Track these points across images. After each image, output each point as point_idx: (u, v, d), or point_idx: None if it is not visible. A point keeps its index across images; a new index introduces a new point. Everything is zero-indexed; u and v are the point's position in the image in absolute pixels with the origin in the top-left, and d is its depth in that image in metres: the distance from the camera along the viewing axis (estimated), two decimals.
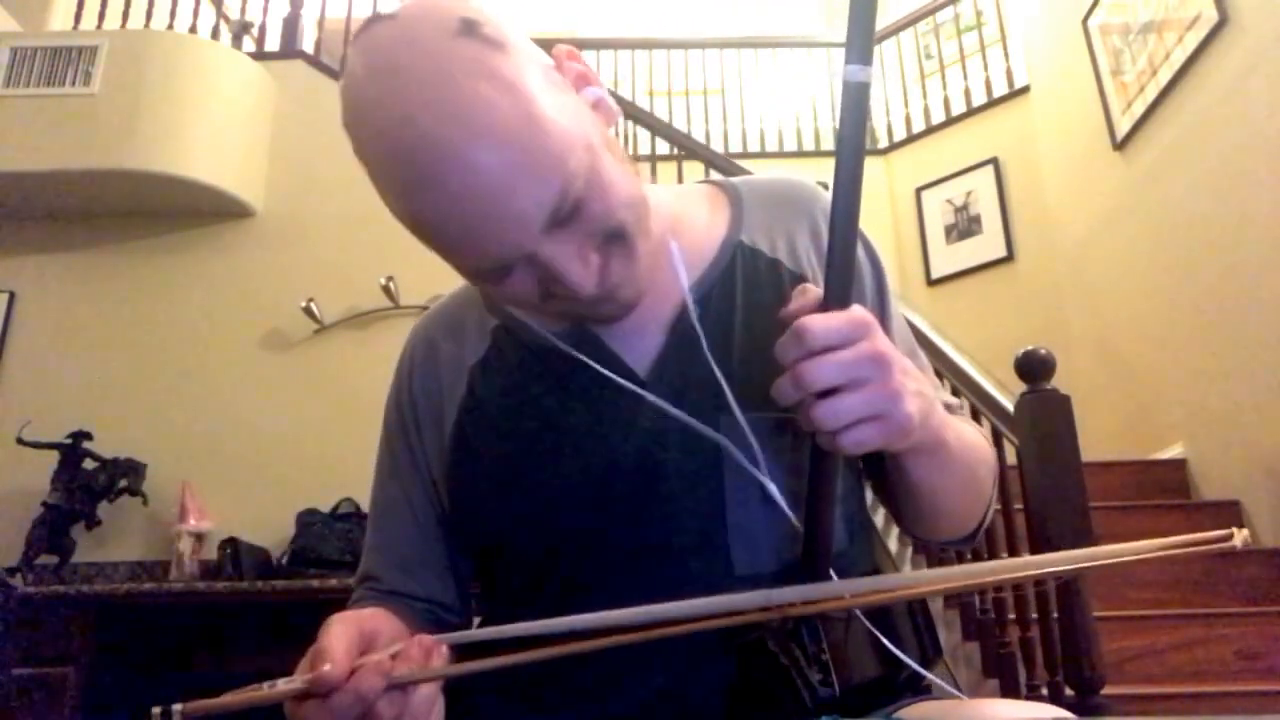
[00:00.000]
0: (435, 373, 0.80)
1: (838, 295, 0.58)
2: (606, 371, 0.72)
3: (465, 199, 0.60)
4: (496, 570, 0.78)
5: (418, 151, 0.60)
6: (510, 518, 0.72)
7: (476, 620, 0.81)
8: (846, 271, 0.59)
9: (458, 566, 0.81)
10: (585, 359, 0.73)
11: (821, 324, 0.56)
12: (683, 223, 0.78)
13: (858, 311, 0.58)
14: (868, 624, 0.68)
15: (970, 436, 0.76)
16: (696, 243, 0.77)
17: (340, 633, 0.55)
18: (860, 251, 0.80)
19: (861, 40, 0.57)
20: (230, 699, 0.53)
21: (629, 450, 0.69)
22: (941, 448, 0.67)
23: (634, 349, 0.73)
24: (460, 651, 0.61)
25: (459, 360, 0.79)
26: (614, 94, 0.73)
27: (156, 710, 0.51)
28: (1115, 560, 0.53)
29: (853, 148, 0.58)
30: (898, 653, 0.67)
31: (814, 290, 0.60)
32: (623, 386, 0.71)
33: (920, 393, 0.61)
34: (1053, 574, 0.58)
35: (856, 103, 0.57)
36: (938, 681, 0.74)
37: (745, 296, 0.75)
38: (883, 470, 0.74)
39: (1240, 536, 0.49)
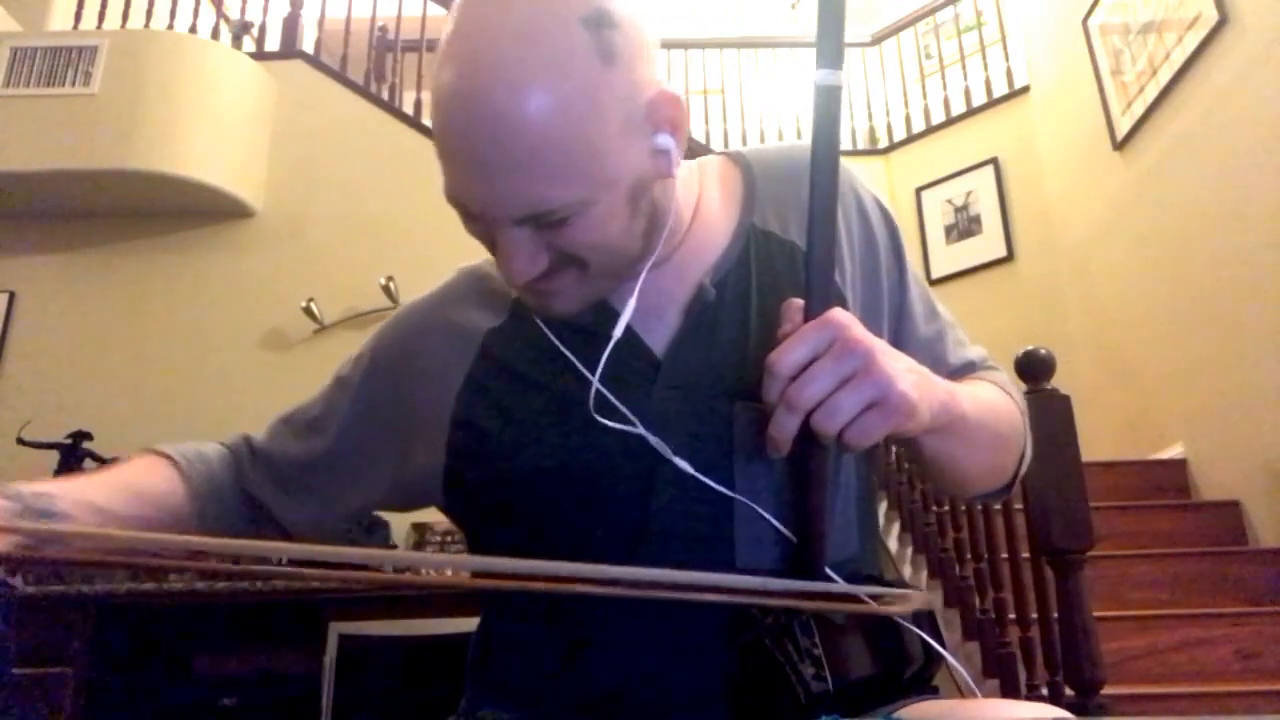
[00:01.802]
0: (448, 330, 0.80)
1: (820, 297, 0.59)
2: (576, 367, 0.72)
3: (473, 148, 0.61)
4: (484, 542, 0.77)
5: (466, 83, 0.61)
6: (506, 488, 0.72)
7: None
8: (826, 275, 0.60)
9: (340, 499, 0.82)
10: (555, 351, 0.72)
11: (787, 354, 0.57)
12: (703, 206, 0.78)
13: (830, 315, 0.58)
14: (908, 621, 0.68)
15: (989, 396, 0.76)
16: (713, 226, 0.77)
17: None
18: (876, 216, 0.80)
19: (832, 45, 0.57)
20: None
21: (640, 431, 0.69)
22: (958, 422, 0.67)
23: (652, 330, 0.73)
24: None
25: (475, 325, 0.79)
26: None
27: None
28: None
29: (827, 152, 0.59)
30: (932, 642, 0.67)
31: (798, 304, 0.60)
32: (638, 367, 0.71)
33: (913, 369, 0.62)
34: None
35: (828, 107, 0.57)
36: (959, 670, 0.74)
37: (760, 281, 0.74)
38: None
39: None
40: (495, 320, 0.78)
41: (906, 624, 0.69)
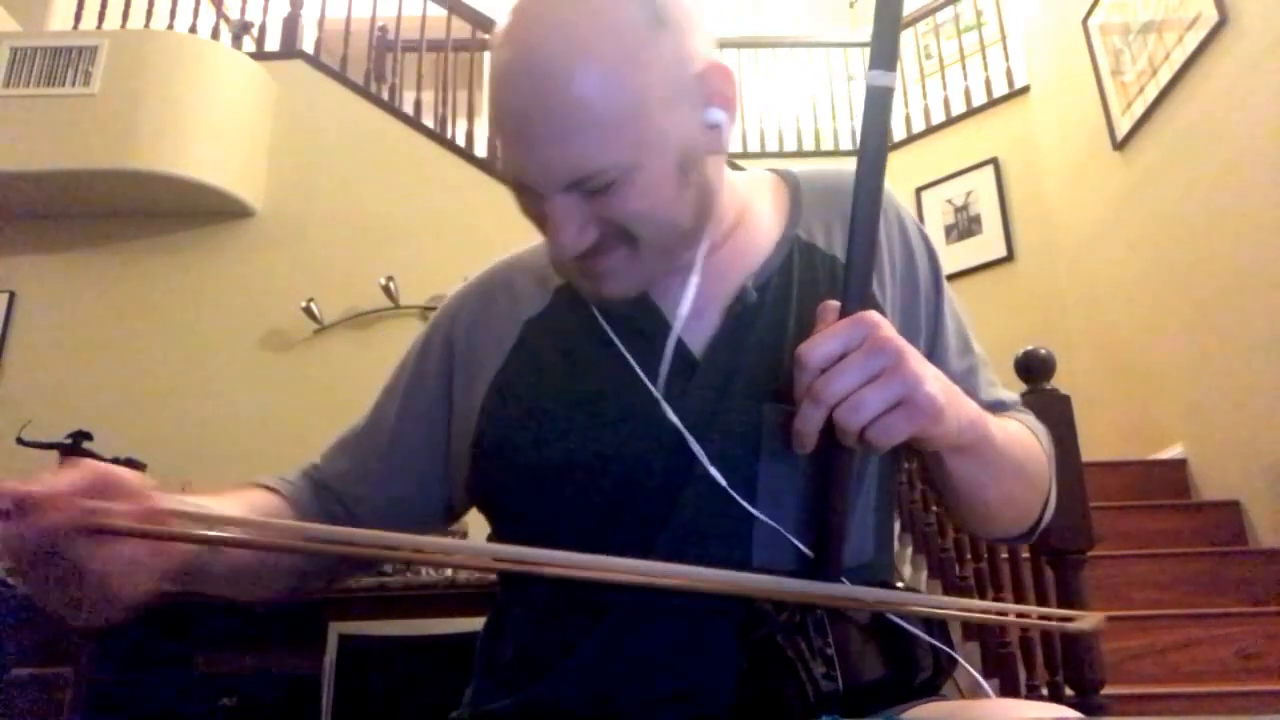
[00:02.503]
0: (488, 320, 0.80)
1: (857, 299, 0.60)
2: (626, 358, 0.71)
3: (523, 112, 0.62)
4: (509, 532, 0.77)
5: (520, 48, 0.62)
6: (537, 474, 0.71)
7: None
8: (865, 276, 0.60)
9: (402, 503, 0.81)
10: (615, 339, 0.72)
11: (818, 347, 0.57)
12: (749, 211, 0.78)
13: (864, 313, 0.59)
14: (908, 623, 0.67)
15: (1017, 432, 0.76)
16: (758, 233, 0.77)
17: (68, 470, 0.54)
18: (918, 241, 0.81)
19: (886, 45, 0.57)
20: None
21: (671, 427, 0.68)
22: (983, 444, 0.67)
23: (691, 328, 0.72)
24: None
25: (515, 313, 0.79)
26: None
27: None
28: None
29: (875, 152, 0.59)
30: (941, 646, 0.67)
31: (833, 305, 0.61)
32: (675, 364, 0.71)
33: (941, 378, 0.62)
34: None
35: (880, 108, 0.58)
36: (971, 673, 0.74)
37: (800, 290, 0.74)
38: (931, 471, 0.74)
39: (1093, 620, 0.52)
40: (536, 308, 0.79)
41: (917, 632, 0.70)
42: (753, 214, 0.79)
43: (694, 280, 0.70)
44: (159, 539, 0.56)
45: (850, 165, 0.64)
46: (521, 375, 0.75)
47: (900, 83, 4.91)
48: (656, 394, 0.69)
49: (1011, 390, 0.90)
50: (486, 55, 4.56)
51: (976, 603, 0.60)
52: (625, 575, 0.57)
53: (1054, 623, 0.57)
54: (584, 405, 0.71)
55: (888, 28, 0.58)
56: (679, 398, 0.70)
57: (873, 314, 0.59)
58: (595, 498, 0.69)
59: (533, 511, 0.73)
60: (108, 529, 0.52)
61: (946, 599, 0.55)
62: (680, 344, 0.72)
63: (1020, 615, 0.63)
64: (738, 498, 0.67)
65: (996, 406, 0.80)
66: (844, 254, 0.75)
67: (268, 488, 0.80)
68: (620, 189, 0.63)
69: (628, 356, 0.71)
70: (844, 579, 0.64)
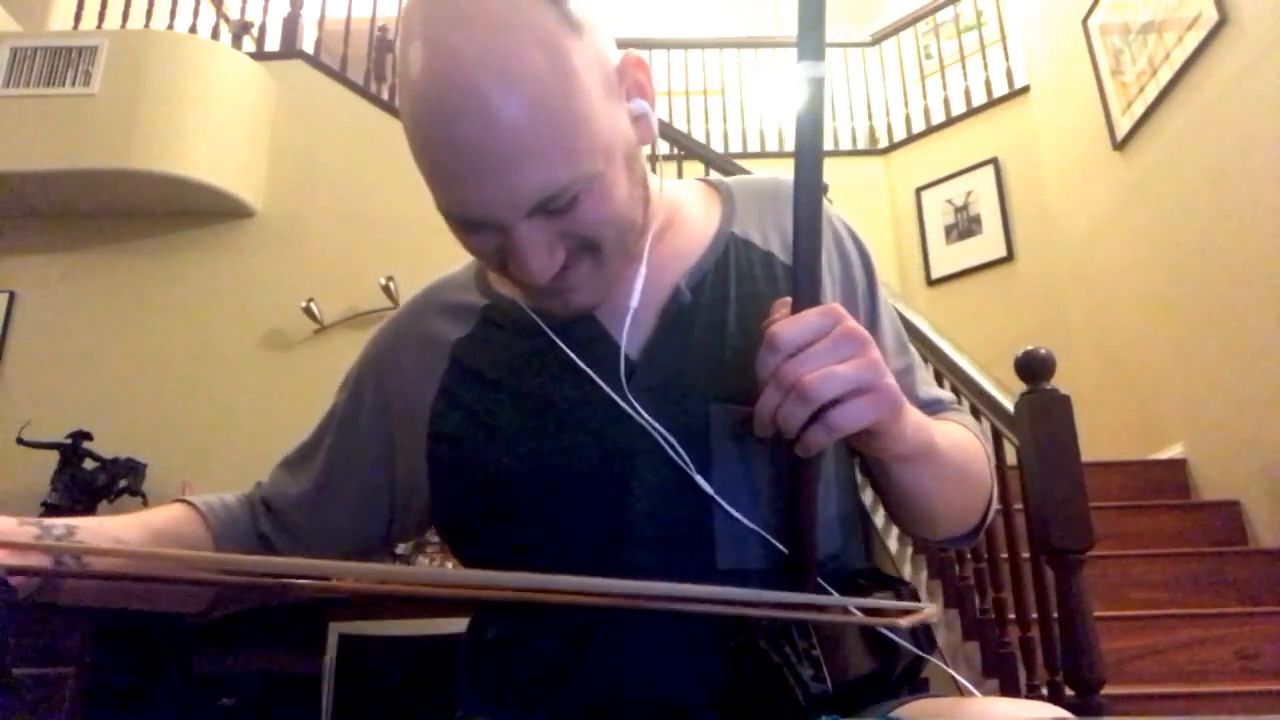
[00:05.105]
0: (418, 348, 0.80)
1: (807, 295, 0.60)
2: (574, 362, 0.71)
3: (473, 148, 0.60)
4: (467, 550, 0.77)
5: (450, 83, 0.59)
6: (486, 494, 0.71)
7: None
8: (813, 270, 0.60)
9: (344, 532, 0.82)
10: (562, 344, 0.72)
11: (789, 330, 0.57)
12: (680, 212, 0.79)
13: (832, 305, 0.59)
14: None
15: (959, 435, 0.76)
16: (691, 233, 0.77)
17: None
18: (851, 245, 0.81)
19: (813, 37, 0.57)
20: None
21: (615, 434, 0.68)
22: (929, 451, 0.67)
23: (627, 331, 0.72)
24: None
25: (443, 337, 0.78)
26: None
27: None
28: None
29: (811, 144, 0.59)
30: (902, 644, 0.67)
31: (785, 301, 0.61)
32: (610, 367, 0.70)
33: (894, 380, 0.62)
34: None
35: (813, 98, 0.58)
36: (950, 671, 0.74)
37: (738, 287, 0.74)
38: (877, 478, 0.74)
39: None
40: (463, 330, 0.78)
41: (901, 631, 0.69)
42: (684, 215, 0.79)
43: (642, 271, 0.71)
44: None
45: (789, 175, 0.64)
46: (457, 399, 0.75)
47: (900, 83, 4.96)
48: (617, 396, 0.69)
49: (1011, 391, 0.90)
50: None
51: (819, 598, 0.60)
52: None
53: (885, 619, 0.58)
54: (523, 420, 0.71)
55: (813, 20, 0.58)
56: (617, 404, 0.69)
57: (840, 309, 0.59)
58: (544, 512, 0.69)
59: (488, 533, 0.73)
60: None
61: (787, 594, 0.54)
62: (616, 347, 0.71)
63: (845, 612, 0.63)
64: (701, 481, 0.66)
65: (933, 405, 0.81)
66: (780, 253, 0.76)
67: (189, 504, 0.80)
68: (582, 200, 0.63)
69: (577, 361, 0.71)
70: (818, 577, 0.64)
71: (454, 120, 0.59)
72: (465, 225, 0.65)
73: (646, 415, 0.68)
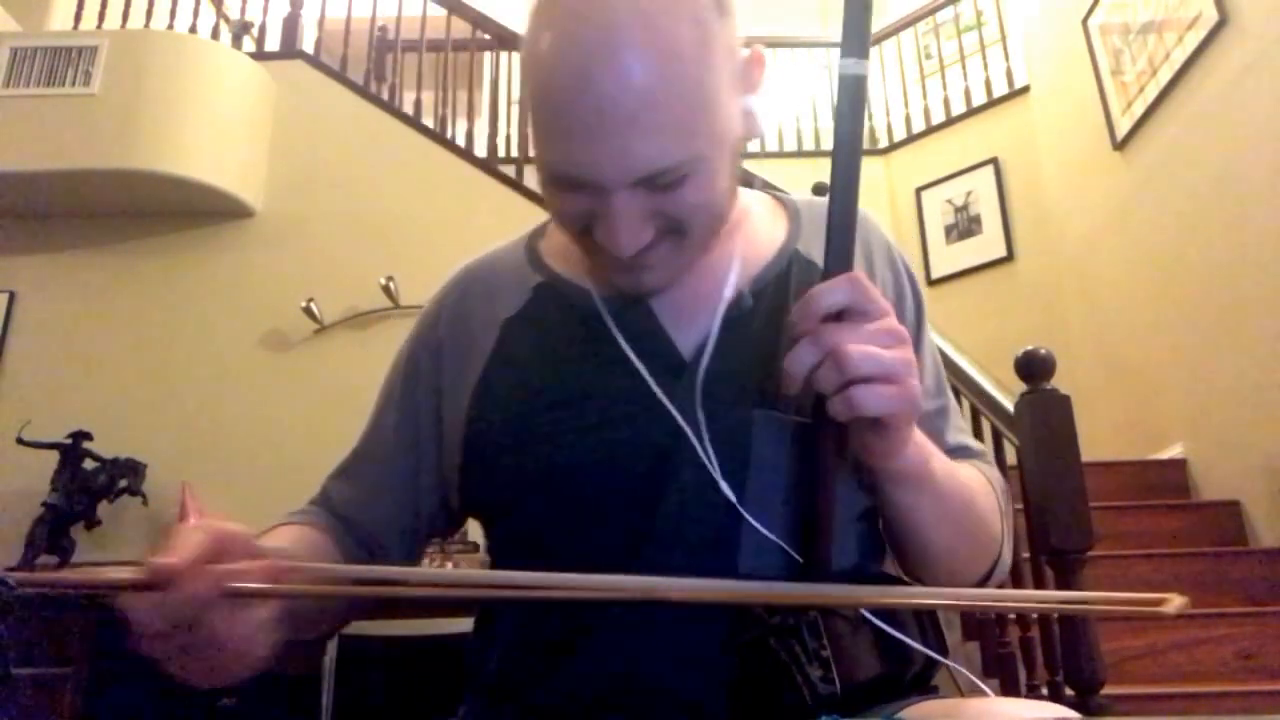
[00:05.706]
0: (466, 324, 0.79)
1: (840, 259, 0.62)
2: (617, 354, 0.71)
3: (600, 105, 0.59)
4: (499, 536, 0.76)
5: (598, 37, 0.58)
6: (523, 478, 0.70)
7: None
8: (845, 263, 0.61)
9: (419, 518, 0.80)
10: (616, 332, 0.71)
11: (829, 292, 0.58)
12: (747, 219, 0.78)
13: (880, 295, 0.60)
14: (877, 622, 0.67)
15: (968, 477, 0.74)
16: (756, 242, 0.77)
17: (191, 535, 0.53)
18: (907, 282, 0.81)
19: (857, 34, 0.58)
20: (65, 575, 0.54)
21: (658, 433, 0.67)
22: (924, 475, 0.66)
23: (683, 330, 0.71)
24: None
25: (492, 314, 0.77)
26: None
27: None
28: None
29: (850, 141, 0.60)
30: (913, 642, 0.67)
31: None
32: (662, 364, 0.69)
33: None
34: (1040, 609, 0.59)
35: (853, 96, 0.58)
36: (961, 671, 0.74)
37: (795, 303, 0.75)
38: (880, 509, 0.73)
39: (1176, 604, 0.52)
40: (514, 308, 0.77)
41: (909, 631, 0.69)
42: (751, 221, 0.78)
43: (735, 264, 0.71)
44: (286, 597, 0.56)
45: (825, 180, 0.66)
46: (503, 378, 0.74)
47: (900, 83, 4.96)
48: (660, 395, 0.68)
49: (1011, 391, 0.90)
50: (487, 55, 4.56)
51: (1053, 594, 0.59)
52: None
53: (1141, 608, 0.55)
54: (567, 407, 0.70)
55: (858, 15, 0.58)
56: (662, 401, 0.68)
57: (887, 304, 0.60)
58: (580, 502, 0.68)
59: (518, 517, 0.72)
60: (244, 593, 0.52)
61: (1009, 592, 0.54)
62: (671, 346, 0.71)
63: (1104, 604, 0.61)
64: (732, 498, 0.66)
65: (960, 451, 0.79)
66: None
67: (304, 524, 0.78)
68: (687, 182, 0.62)
69: (629, 353, 0.70)
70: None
71: (591, 72, 0.58)
72: (564, 183, 0.64)
73: (690, 416, 0.67)
